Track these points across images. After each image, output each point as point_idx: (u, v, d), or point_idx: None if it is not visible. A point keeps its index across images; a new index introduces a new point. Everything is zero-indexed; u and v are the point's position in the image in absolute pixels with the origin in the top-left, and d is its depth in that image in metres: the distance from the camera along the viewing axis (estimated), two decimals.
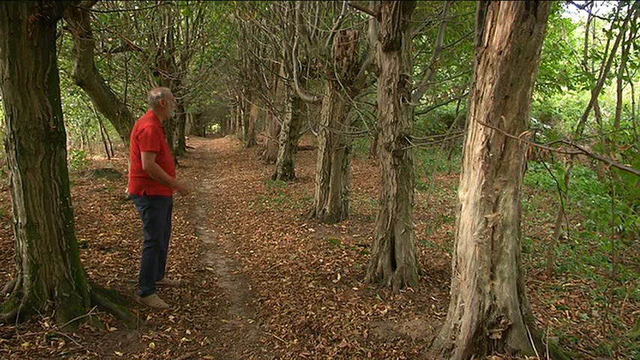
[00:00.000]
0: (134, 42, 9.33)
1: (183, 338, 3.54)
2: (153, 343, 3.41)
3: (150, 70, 12.25)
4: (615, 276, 4.63)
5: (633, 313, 4.00)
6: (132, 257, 5.33)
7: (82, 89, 8.62)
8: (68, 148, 3.95)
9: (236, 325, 3.84)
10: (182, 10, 9.99)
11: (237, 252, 5.86)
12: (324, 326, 3.73)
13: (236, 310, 4.17)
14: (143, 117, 4.21)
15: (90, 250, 5.36)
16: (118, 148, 17.77)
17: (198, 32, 13.77)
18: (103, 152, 17.23)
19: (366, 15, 5.21)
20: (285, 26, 9.18)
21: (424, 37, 9.56)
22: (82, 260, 4.04)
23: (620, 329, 3.69)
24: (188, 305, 4.15)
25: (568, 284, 4.61)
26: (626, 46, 4.60)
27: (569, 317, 3.92)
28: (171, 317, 3.87)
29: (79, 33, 6.10)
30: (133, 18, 9.83)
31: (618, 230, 4.91)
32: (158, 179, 4.00)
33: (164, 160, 4.09)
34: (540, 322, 3.77)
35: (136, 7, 9.80)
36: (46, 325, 3.41)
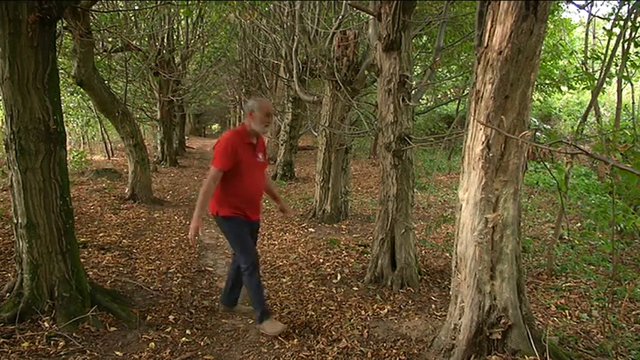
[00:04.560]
0: (134, 42, 9.33)
1: (184, 338, 3.54)
2: (153, 343, 3.41)
3: (150, 70, 12.28)
4: (615, 276, 4.63)
5: (633, 313, 3.99)
6: (132, 257, 5.33)
7: (82, 89, 8.63)
8: (68, 148, 3.94)
9: (236, 325, 3.84)
10: (182, 10, 9.99)
11: None
12: (324, 326, 3.73)
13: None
14: (229, 130, 3.85)
15: (90, 250, 5.35)
16: (118, 148, 17.76)
17: (198, 32, 13.79)
18: (103, 152, 17.23)
19: (366, 15, 5.21)
20: (285, 26, 9.18)
21: (424, 37, 9.56)
22: (82, 260, 4.04)
23: (620, 329, 3.69)
24: (188, 305, 4.14)
25: (568, 284, 4.61)
26: (626, 46, 4.59)
27: (569, 317, 3.92)
28: (171, 317, 3.87)
29: (79, 33, 6.11)
30: (133, 18, 9.84)
31: (618, 230, 4.90)
32: (200, 196, 3.51)
33: (243, 180, 3.60)
34: (540, 322, 3.77)
35: (136, 7, 9.80)
36: (46, 325, 3.41)
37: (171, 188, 10.56)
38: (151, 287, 4.46)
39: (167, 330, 3.64)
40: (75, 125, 18.33)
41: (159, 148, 14.68)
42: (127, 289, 4.38)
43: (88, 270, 4.45)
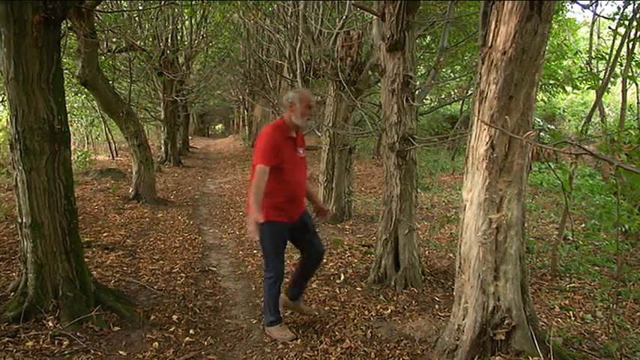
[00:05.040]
0: (138, 42, 9.35)
1: (187, 338, 3.55)
2: (156, 343, 3.42)
3: (154, 71, 12.30)
4: (620, 277, 4.60)
5: (638, 314, 3.97)
6: (135, 257, 5.35)
7: (86, 89, 8.67)
8: (72, 148, 3.95)
9: (239, 325, 3.85)
10: (186, 11, 10.02)
11: (240, 252, 5.87)
12: (327, 326, 3.73)
13: (239, 310, 4.17)
14: (269, 124, 3.67)
15: (94, 249, 5.37)
16: (122, 148, 17.80)
17: (202, 32, 13.80)
18: (107, 152, 17.27)
19: (370, 15, 5.20)
20: (288, 26, 9.17)
21: (428, 37, 9.55)
22: (86, 260, 4.04)
23: (625, 330, 3.67)
24: (192, 305, 4.15)
25: (572, 285, 4.60)
26: (631, 45, 4.58)
27: (573, 318, 3.91)
28: (174, 317, 3.88)
29: (84, 33, 6.13)
30: (137, 18, 9.86)
31: (623, 231, 4.88)
32: (253, 197, 3.33)
33: (285, 178, 3.44)
34: (544, 322, 3.76)
35: (140, 8, 9.82)
36: (50, 324, 3.42)
37: (175, 188, 10.58)
38: (155, 287, 4.47)
39: (171, 330, 3.65)
40: (79, 125, 18.38)
41: (162, 148, 14.70)
42: (130, 289, 4.39)
43: (92, 269, 4.46)
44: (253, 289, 4.64)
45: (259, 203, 3.31)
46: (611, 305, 3.97)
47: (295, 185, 3.52)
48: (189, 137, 22.77)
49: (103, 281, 4.36)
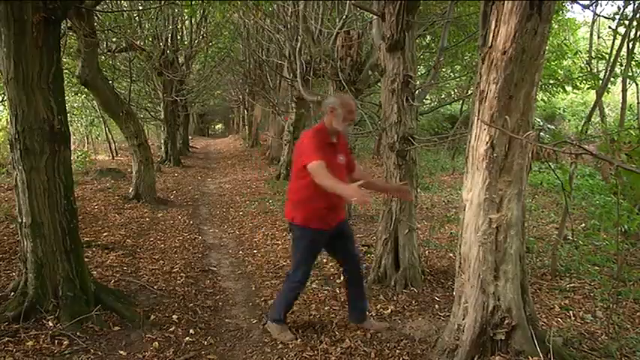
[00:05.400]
0: (138, 42, 9.35)
1: (187, 338, 3.55)
2: (156, 343, 3.42)
3: (154, 70, 12.30)
4: (620, 277, 4.60)
5: (638, 314, 3.97)
6: (135, 257, 5.35)
7: (86, 89, 8.67)
8: (72, 147, 3.93)
9: (239, 325, 3.85)
10: (186, 11, 10.01)
11: (240, 252, 5.87)
12: (327, 326, 3.73)
13: (239, 309, 4.17)
14: (308, 130, 3.59)
15: (94, 249, 5.37)
16: (122, 148, 17.79)
17: (202, 32, 13.80)
18: (107, 152, 17.27)
19: (370, 15, 5.20)
20: (288, 26, 9.17)
21: (428, 37, 9.55)
22: (86, 259, 4.05)
23: (625, 330, 3.68)
24: (192, 305, 4.15)
25: (572, 285, 4.59)
26: (631, 45, 4.57)
27: (573, 318, 3.90)
28: (174, 317, 3.88)
29: (84, 33, 6.13)
30: (137, 18, 9.86)
31: (623, 231, 4.88)
32: (328, 189, 3.14)
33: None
34: (544, 322, 3.76)
35: (140, 8, 9.81)
36: (50, 324, 3.42)
37: (175, 188, 10.58)
38: (155, 287, 4.47)
39: (171, 329, 3.65)
40: (79, 125, 18.40)
41: (162, 148, 14.70)
42: (130, 289, 4.39)
43: (92, 269, 4.47)
44: (253, 288, 4.64)
45: (337, 185, 3.13)
46: (611, 305, 3.96)
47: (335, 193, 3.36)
48: (190, 137, 22.77)
49: (103, 281, 4.36)
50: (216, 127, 49.79)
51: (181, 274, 4.88)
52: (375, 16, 4.71)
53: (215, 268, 5.23)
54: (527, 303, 3.10)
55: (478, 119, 2.92)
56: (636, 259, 5.22)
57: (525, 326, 3.00)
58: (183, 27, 14.25)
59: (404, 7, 4.18)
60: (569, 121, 16.49)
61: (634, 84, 7.04)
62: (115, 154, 16.82)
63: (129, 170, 10.26)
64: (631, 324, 3.80)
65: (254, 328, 3.78)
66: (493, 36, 2.79)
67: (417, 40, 8.25)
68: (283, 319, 3.64)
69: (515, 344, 2.95)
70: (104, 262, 5.00)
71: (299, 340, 3.51)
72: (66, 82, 8.29)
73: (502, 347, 2.97)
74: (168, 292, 4.40)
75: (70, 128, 3.86)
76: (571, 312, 4.00)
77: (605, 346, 3.36)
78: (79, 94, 14.07)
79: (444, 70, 10.58)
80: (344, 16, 6.80)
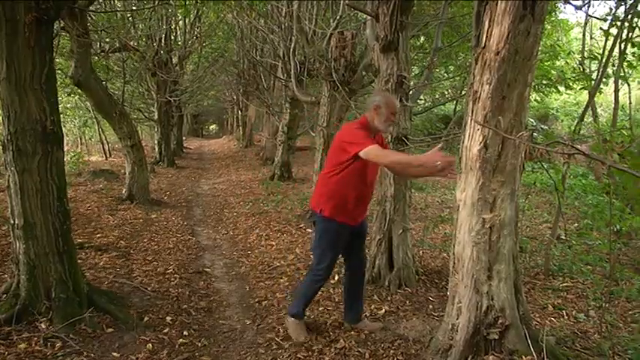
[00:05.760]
0: (132, 42, 9.31)
1: (181, 339, 3.53)
2: (150, 345, 3.41)
3: (147, 71, 12.25)
4: (612, 276, 4.64)
5: (630, 312, 4.01)
6: (129, 258, 5.32)
7: (79, 90, 8.61)
8: (66, 148, 3.89)
9: (233, 326, 3.84)
10: (180, 11, 9.98)
11: (234, 253, 5.86)
12: (321, 327, 3.72)
13: (233, 311, 4.16)
14: (350, 122, 3.56)
15: (87, 251, 5.34)
16: (116, 149, 17.72)
17: (195, 33, 13.77)
18: (101, 153, 17.19)
19: (364, 15, 5.21)
20: (282, 27, 9.17)
21: (422, 37, 9.57)
22: (79, 261, 4.02)
23: (617, 329, 3.70)
24: (185, 306, 4.13)
25: (565, 284, 4.62)
26: (623, 46, 4.60)
27: (566, 317, 3.93)
28: (168, 318, 3.86)
29: (77, 33, 6.10)
30: (130, 18, 9.82)
31: (615, 230, 4.91)
32: (403, 166, 3.07)
33: (359, 176, 3.30)
34: (538, 322, 3.77)
35: (134, 8, 9.78)
36: (43, 326, 3.40)
37: (169, 189, 10.55)
38: (149, 288, 4.45)
39: (164, 331, 3.64)
40: (72, 126, 18.29)
41: (156, 149, 14.65)
42: (124, 290, 4.36)
43: (85, 271, 4.44)
44: (247, 289, 4.63)
45: (412, 156, 3.16)
46: (603, 304, 4.00)
47: (366, 187, 3.41)
48: (183, 138, 22.71)
49: (96, 283, 4.34)
50: (211, 127, 49.68)
51: (175, 276, 4.87)
52: (368, 17, 4.72)
53: (209, 270, 5.21)
54: (521, 302, 3.11)
55: (471, 119, 2.93)
56: (628, 258, 5.26)
57: (519, 326, 3.00)
58: (177, 27, 14.21)
59: (398, 8, 4.18)
60: (562, 121, 16.57)
61: (626, 84, 7.07)
62: (108, 155, 16.74)
63: (122, 171, 10.22)
64: (623, 323, 3.83)
65: (248, 329, 3.78)
66: (486, 37, 2.80)
67: (411, 41, 8.26)
68: (302, 313, 3.62)
69: (509, 344, 2.96)
70: (97, 264, 4.98)
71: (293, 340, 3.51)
72: (59, 82, 8.28)
73: (496, 347, 2.97)
74: (161, 293, 4.38)
75: (63, 129, 3.84)
76: (564, 311, 4.03)
77: (598, 345, 3.39)
78: (72, 95, 13.99)
79: (437, 70, 10.61)
80: (338, 17, 6.81)
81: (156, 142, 14.79)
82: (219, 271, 5.19)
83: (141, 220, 7.19)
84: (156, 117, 13.97)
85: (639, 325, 3.62)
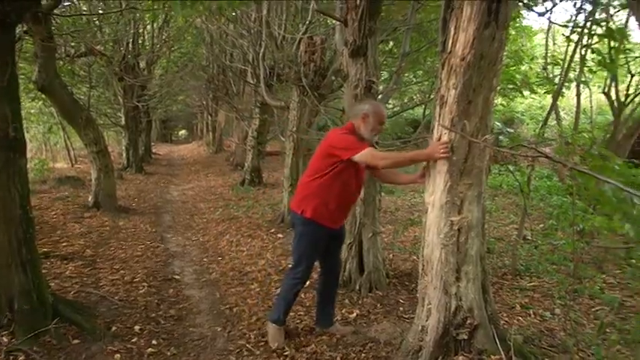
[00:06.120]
0: (98, 47, 9.14)
1: (150, 349, 3.47)
2: (118, 355, 3.34)
3: (114, 76, 12.05)
4: (576, 274, 4.77)
5: (593, 309, 4.13)
6: (95, 267, 5.21)
7: (43, 95, 8.41)
8: (29, 155, 3.76)
9: (204, 334, 3.79)
10: (147, 15, 9.85)
11: (204, 259, 5.79)
12: (292, 332, 3.71)
13: (204, 318, 4.11)
14: (337, 128, 3.56)
15: (52, 260, 5.20)
16: (82, 156, 17.32)
17: (164, 37, 13.61)
18: (66, 160, 16.79)
19: (333, 20, 5.24)
20: (252, 32, 9.14)
21: (391, 42, 9.66)
22: (43, 271, 3.90)
23: (581, 326, 3.81)
24: (154, 315, 4.07)
25: (532, 284, 4.72)
26: (583, 52, 4.75)
27: (533, 316, 4.01)
28: (136, 327, 3.79)
29: (40, 37, 5.95)
30: (96, 22, 9.64)
31: (579, 230, 5.04)
32: (401, 164, 3.26)
33: (343, 181, 3.30)
34: (506, 321, 3.84)
35: (100, 12, 9.60)
36: (5, 339, 3.28)
37: (137, 195, 10.37)
38: (116, 297, 4.36)
39: (133, 341, 3.57)
40: (36, 132, 17.84)
41: (124, 155, 14.39)
42: (90, 300, 4.26)
43: (50, 281, 4.32)
44: (218, 296, 4.59)
45: (408, 153, 3.24)
46: (568, 302, 4.10)
47: (350, 193, 3.43)
48: (152, 143, 22.36)
49: (61, 293, 4.23)
50: (180, 133, 49.04)
51: (143, 284, 4.78)
52: (337, 22, 4.75)
53: (178, 277, 5.14)
54: (489, 302, 3.16)
55: (439, 124, 2.97)
56: (590, 257, 5.40)
57: (487, 325, 3.05)
58: (145, 31, 14.01)
59: (366, 14, 4.21)
60: (528, 124, 16.95)
61: (587, 89, 7.30)
62: (74, 162, 16.37)
63: (88, 178, 9.97)
64: (587, 319, 3.94)
65: (219, 337, 3.74)
66: (452, 42, 2.85)
67: (380, 46, 8.34)
68: (283, 319, 3.59)
69: (478, 343, 3.00)
70: (63, 273, 4.85)
71: (264, 346, 3.49)
72: (22, 87, 8.05)
73: (465, 347, 3.00)
74: (129, 302, 4.30)
75: (27, 135, 3.74)
76: (531, 310, 4.11)
77: (563, 342, 3.47)
78: (36, 100, 13.64)
79: (406, 75, 10.71)
80: (307, 22, 6.83)
81: (123, 147, 14.52)
82: (188, 278, 5.12)
83: (108, 228, 7.05)
84: (123, 122, 13.73)
85: (601, 322, 3.71)
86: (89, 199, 8.28)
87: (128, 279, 4.89)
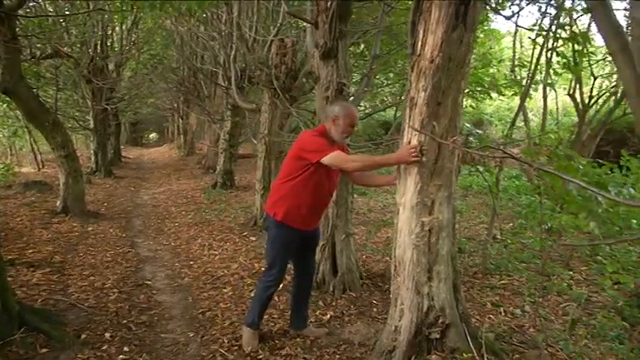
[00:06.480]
0: (65, 48, 8.93)
1: (121, 356, 3.40)
2: None
3: (82, 78, 11.81)
4: (544, 272, 4.88)
5: (561, 306, 4.23)
6: (64, 274, 5.08)
7: (7, 98, 8.18)
8: None
9: (176, 340, 3.73)
10: (116, 17, 9.68)
11: (176, 264, 5.71)
12: (266, 335, 3.70)
13: (176, 323, 4.05)
14: (309, 130, 3.59)
15: (18, 267, 5.05)
16: (49, 160, 16.89)
17: (133, 39, 13.40)
18: (33, 164, 16.36)
19: (304, 23, 5.24)
20: (222, 34, 9.08)
21: (362, 45, 9.73)
22: (9, 279, 3.80)
23: (550, 322, 3.89)
24: (125, 321, 3.99)
25: (502, 282, 4.81)
26: (549, 55, 4.87)
27: (503, 314, 4.09)
28: (107, 335, 3.71)
29: (4, 38, 5.80)
30: (63, 23, 9.42)
31: (547, 229, 5.17)
32: (370, 167, 3.33)
33: (315, 184, 3.29)
34: (477, 319, 3.90)
35: (67, 12, 9.38)
36: None
37: (106, 200, 10.17)
38: (86, 304, 4.26)
39: (103, 348, 3.49)
40: (1, 136, 17.34)
41: (93, 159, 14.08)
42: (59, 308, 4.16)
43: (16, 289, 4.20)
44: (190, 301, 4.53)
45: (377, 157, 3.30)
46: (537, 299, 4.19)
47: (322, 195, 3.41)
48: (121, 147, 21.94)
49: (28, 301, 4.11)
50: (150, 136, 48.26)
51: (114, 290, 4.69)
52: (308, 25, 4.75)
53: (150, 282, 5.06)
54: (460, 301, 3.21)
55: (409, 125, 3.00)
56: (558, 254, 5.54)
57: (459, 324, 3.09)
58: (114, 33, 13.77)
59: (336, 16, 4.23)
60: (496, 125, 17.29)
61: (553, 91, 7.50)
62: (41, 166, 15.95)
63: (56, 182, 9.74)
64: (555, 316, 4.03)
65: (192, 342, 3.69)
66: (421, 45, 2.89)
67: (351, 48, 8.39)
68: (257, 322, 3.57)
69: (450, 342, 3.04)
70: (29, 281, 4.72)
71: (237, 351, 3.46)
72: None
73: (437, 346, 3.04)
74: (99, 309, 4.21)
75: None
76: (502, 308, 4.19)
77: (533, 339, 3.55)
78: (0, 103, 13.27)
79: (377, 77, 10.80)
80: (278, 24, 6.82)
81: (92, 151, 14.21)
82: (160, 283, 5.04)
83: (76, 234, 6.89)
84: (92, 125, 13.43)
85: (571, 319, 3.80)
86: (57, 204, 8.08)
87: (98, 285, 4.79)
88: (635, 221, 3.83)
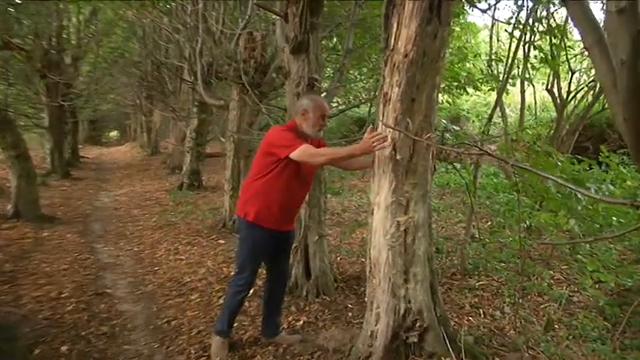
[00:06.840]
0: (15, 40, 8.44)
1: None
2: None
3: (35, 72, 11.29)
4: (524, 272, 4.80)
5: (542, 306, 4.17)
6: (16, 283, 4.76)
7: None
8: None
9: (140, 351, 3.52)
10: (72, 7, 9.22)
11: (139, 270, 5.43)
12: (237, 343, 3.53)
13: (139, 334, 3.82)
14: (278, 125, 3.47)
15: None
16: None
17: (91, 30, 12.90)
18: None
19: (274, 15, 5.05)
20: (188, 26, 8.76)
21: (334, 39, 9.55)
22: None
23: (531, 323, 3.82)
24: (84, 333, 3.74)
25: (481, 283, 4.72)
26: (526, 49, 4.79)
27: (482, 316, 4.00)
28: (64, 348, 3.48)
29: None
30: (14, 12, 8.91)
31: (526, 227, 5.10)
32: (337, 160, 3.24)
33: (286, 181, 3.17)
34: (456, 322, 3.81)
35: (18, 1, 8.87)
36: None
37: (63, 203, 9.68)
38: (40, 316, 4.01)
39: None
40: None
41: (48, 159, 13.46)
42: (10, 320, 3.90)
43: None
44: (155, 309, 4.29)
45: (344, 148, 3.25)
46: (517, 300, 4.11)
47: (294, 193, 3.28)
48: (79, 146, 21.17)
49: None
50: (111, 134, 47.07)
51: (71, 300, 4.41)
52: (278, 17, 4.56)
53: (110, 290, 4.77)
54: (438, 304, 3.12)
55: (382, 122, 2.90)
56: (538, 253, 5.48)
57: (437, 327, 3.01)
58: (70, 24, 13.22)
59: (307, 8, 4.08)
60: (474, 122, 17.26)
61: (531, 86, 7.45)
62: None
63: (7, 185, 9.23)
64: (536, 317, 3.96)
65: (156, 353, 3.48)
66: (395, 39, 2.81)
67: (323, 42, 8.22)
68: (227, 330, 3.43)
69: (428, 346, 2.96)
70: None
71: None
72: None
73: (415, 350, 2.96)
74: (55, 320, 3.95)
75: None
76: (481, 310, 4.10)
77: (513, 341, 3.46)
78: None
79: (350, 72, 10.65)
80: (246, 17, 6.59)
81: (47, 151, 13.60)
82: (122, 292, 4.77)
83: (30, 240, 6.51)
84: (46, 123, 12.85)
85: (547, 319, 3.73)
86: (8, 208, 7.63)
87: (54, 295, 4.51)
88: (615, 218, 3.78)
